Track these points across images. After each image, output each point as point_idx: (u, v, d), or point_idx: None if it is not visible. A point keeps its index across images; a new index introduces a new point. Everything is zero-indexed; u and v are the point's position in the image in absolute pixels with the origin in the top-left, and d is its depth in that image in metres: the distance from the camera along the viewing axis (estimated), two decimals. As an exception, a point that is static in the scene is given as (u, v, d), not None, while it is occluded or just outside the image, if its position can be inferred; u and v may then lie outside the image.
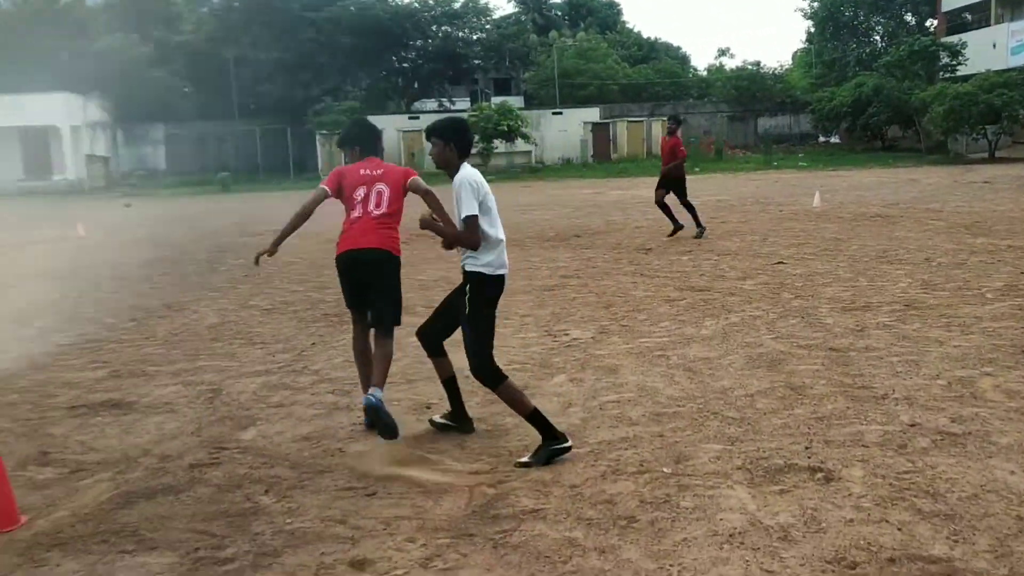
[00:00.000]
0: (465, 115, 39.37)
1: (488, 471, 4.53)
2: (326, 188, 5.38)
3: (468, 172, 4.86)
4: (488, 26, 50.67)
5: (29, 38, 43.18)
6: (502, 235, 4.95)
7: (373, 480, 4.45)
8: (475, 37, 50.35)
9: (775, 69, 53.00)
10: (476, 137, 37.66)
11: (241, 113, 50.21)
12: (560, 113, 45.82)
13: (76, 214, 25.98)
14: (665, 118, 45.98)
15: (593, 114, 46.40)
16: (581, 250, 13.30)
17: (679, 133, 14.42)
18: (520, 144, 40.34)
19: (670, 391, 5.78)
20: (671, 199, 14.12)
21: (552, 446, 4.62)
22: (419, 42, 48.16)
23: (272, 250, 5.37)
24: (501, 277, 4.93)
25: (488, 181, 5.07)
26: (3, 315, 9.57)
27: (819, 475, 4.27)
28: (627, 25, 67.13)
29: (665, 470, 4.42)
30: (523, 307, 8.88)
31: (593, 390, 5.89)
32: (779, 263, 11.01)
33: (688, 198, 14.21)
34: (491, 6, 51.42)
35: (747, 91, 49.61)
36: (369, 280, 5.21)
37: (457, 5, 47.81)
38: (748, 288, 9.41)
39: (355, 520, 4.00)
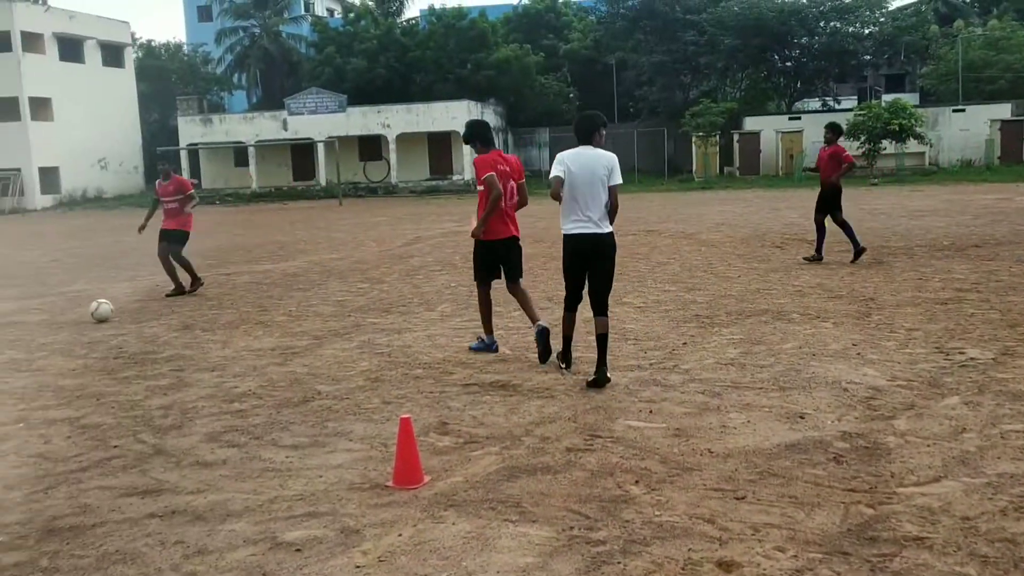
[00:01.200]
0: (851, 115, 37.18)
1: (866, 490, 4.27)
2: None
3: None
4: (882, 19, 47.27)
5: (440, 52, 48.16)
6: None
7: (743, 483, 4.40)
8: (866, 31, 47.26)
9: None
10: (863, 137, 35.43)
11: (620, 116, 51.88)
12: (962, 110, 41.54)
13: (470, 211, 28.57)
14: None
15: (1003, 111, 41.44)
16: (982, 261, 11.99)
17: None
18: (912, 145, 37.22)
19: (1092, 426, 5.02)
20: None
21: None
22: (804, 39, 46.23)
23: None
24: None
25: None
26: (412, 299, 10.79)
27: None
28: (1052, 8, 58.92)
29: (1083, 515, 3.86)
30: (910, 320, 8.22)
31: (993, 416, 5.30)
32: None
33: (843, 215, 12.43)
34: (887, -2, 47.79)
35: None
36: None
37: (848, -1, 45.28)
38: None
39: (723, 521, 3.98)
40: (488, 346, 7.63)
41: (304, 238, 20.96)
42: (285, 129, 45.93)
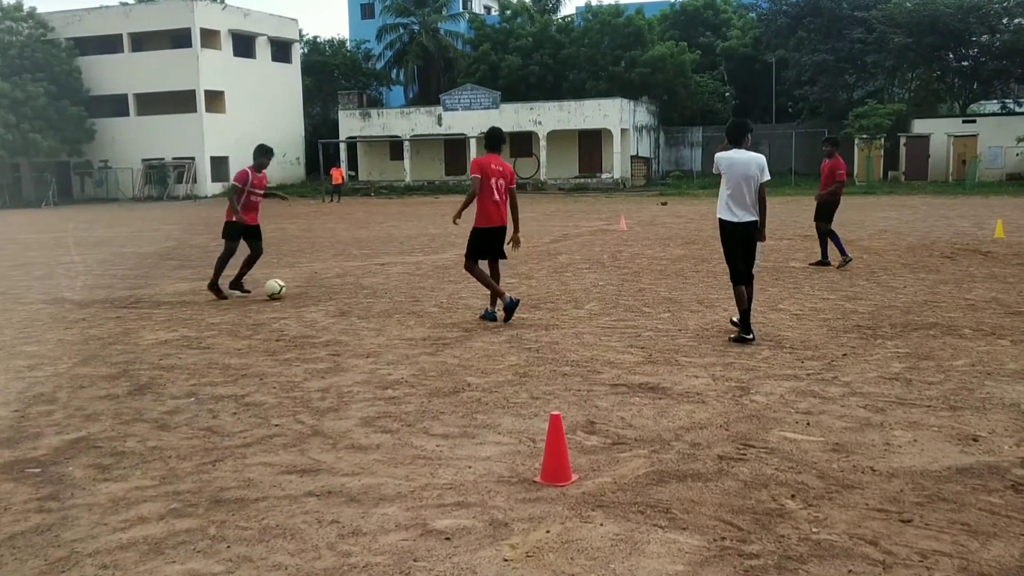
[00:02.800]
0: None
1: (1050, 524, 3.94)
2: None
3: None
4: (1073, 15, 43.91)
5: (594, 49, 48.07)
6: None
7: (909, 505, 4.16)
8: (1055, 29, 43.97)
9: None
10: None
11: (779, 116, 50.32)
12: None
13: (619, 209, 28.41)
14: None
15: None
16: None
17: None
18: None
19: None
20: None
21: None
22: (984, 37, 43.43)
23: None
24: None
25: None
26: (559, 296, 10.81)
27: None
28: None
29: None
30: (1100, 342, 7.57)
31: None
32: None
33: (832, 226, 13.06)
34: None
35: None
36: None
37: (1036, -7, 42.21)
38: None
39: (887, 544, 3.77)
40: (492, 315, 9.09)
41: (455, 232, 21.35)
42: (439, 124, 47.03)
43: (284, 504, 4.34)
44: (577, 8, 59.19)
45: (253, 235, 11.19)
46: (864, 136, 40.48)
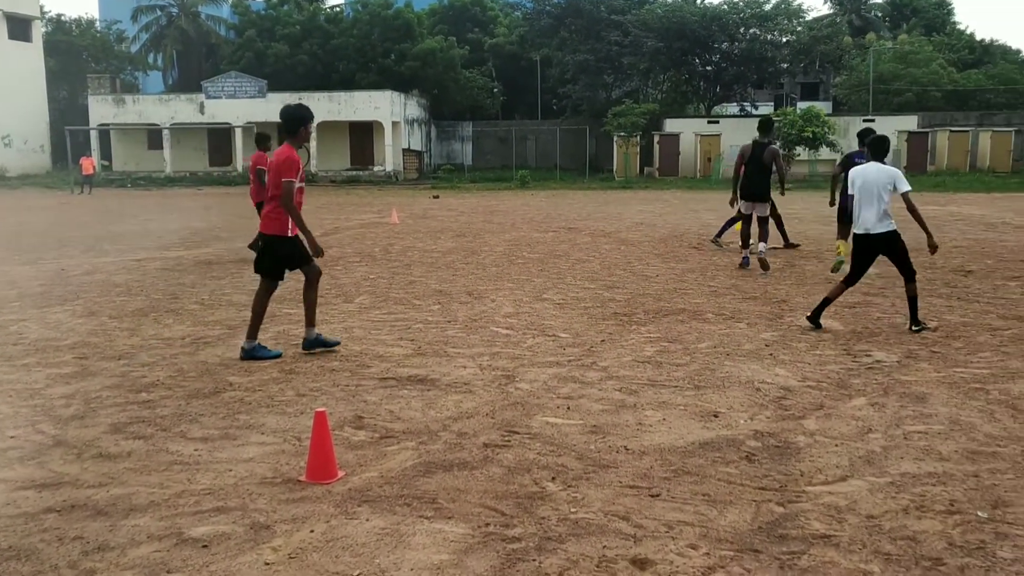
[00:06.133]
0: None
1: (777, 488, 4.35)
2: None
3: None
4: (799, 28, 48.60)
5: (364, 40, 47.59)
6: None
7: (658, 481, 4.44)
8: (784, 39, 48.51)
9: None
10: (779, 143, 36.37)
11: (543, 113, 52.13)
12: (872, 120, 42.98)
13: (391, 202, 28.33)
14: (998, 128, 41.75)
15: (910, 122, 43.11)
16: (888, 266, 12.36)
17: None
18: (825, 152, 38.39)
19: (989, 428, 5.23)
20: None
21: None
22: (724, 44, 47.22)
23: None
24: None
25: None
26: (329, 291, 10.63)
27: None
28: (957, 26, 61.57)
29: (980, 514, 4.01)
30: (821, 322, 8.44)
31: (897, 417, 5.47)
32: None
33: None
34: (804, 7, 49.21)
35: (1099, 101, 43.78)
36: None
37: (768, 7, 46.30)
38: (1089, 323, 8.30)
39: (638, 519, 4.00)
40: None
41: (220, 224, 20.47)
42: (202, 113, 44.83)
43: (19, 523, 3.97)
44: (346, -2, 58.44)
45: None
46: (622, 134, 42.78)
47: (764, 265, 11.66)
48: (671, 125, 44.80)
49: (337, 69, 47.63)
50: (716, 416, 5.52)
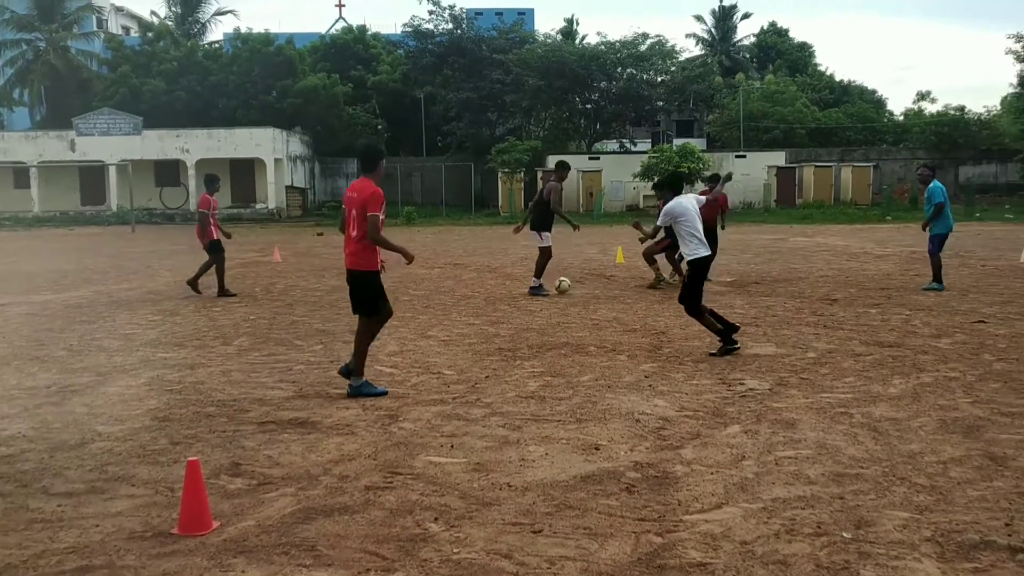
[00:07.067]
0: (645, 156, 39.40)
1: (655, 519, 4.44)
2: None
3: None
4: (673, 68, 50.43)
5: (245, 77, 46.80)
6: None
7: (540, 516, 4.47)
8: (659, 79, 50.21)
9: (981, 114, 49.83)
10: (656, 179, 37.50)
11: (428, 150, 52.30)
12: (743, 156, 44.87)
13: (273, 240, 27.77)
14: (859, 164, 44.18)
15: (778, 158, 45.14)
16: (760, 297, 12.91)
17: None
18: (700, 187, 39.75)
19: (852, 451, 5.49)
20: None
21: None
22: (603, 84, 48.51)
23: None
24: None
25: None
26: (207, 333, 10.32)
27: (1021, 556, 3.92)
28: (819, 68, 65.12)
29: (845, 535, 4.19)
30: (697, 353, 8.70)
31: (768, 444, 5.68)
32: (979, 322, 10.28)
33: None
34: (677, 48, 51.13)
35: (948, 137, 46.88)
36: None
37: (643, 48, 47.88)
38: (943, 347, 8.83)
39: (520, 556, 4.01)
40: None
41: (91, 266, 19.63)
42: (73, 151, 43.07)
43: None
44: (225, 34, 57.35)
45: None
46: (506, 170, 43.26)
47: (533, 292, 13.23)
48: (554, 161, 45.55)
49: (217, 106, 46.59)
50: (597, 449, 5.61)
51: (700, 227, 8.76)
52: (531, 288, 13.39)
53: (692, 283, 8.76)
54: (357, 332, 7.25)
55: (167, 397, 7.09)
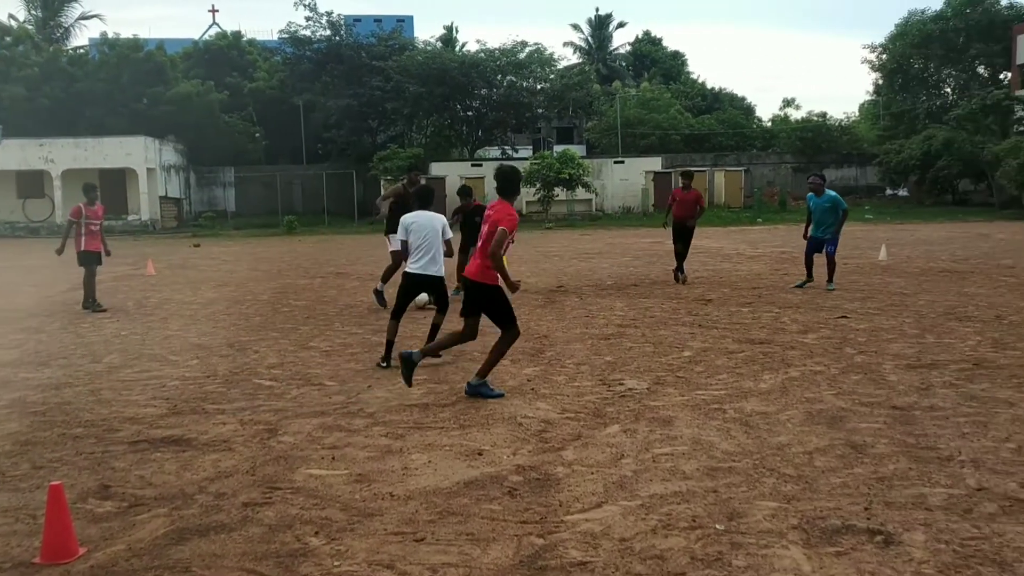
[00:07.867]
0: (527, 163, 39.80)
1: (537, 521, 4.49)
2: None
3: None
4: (552, 76, 51.14)
5: (113, 84, 44.95)
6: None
7: (423, 524, 4.45)
8: (539, 86, 50.81)
9: (841, 120, 52.60)
10: (538, 184, 37.96)
11: (309, 158, 51.41)
12: (622, 162, 45.90)
13: (147, 252, 26.76)
14: (731, 168, 45.88)
15: (655, 163, 46.36)
16: (639, 299, 13.23)
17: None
18: (581, 192, 40.43)
19: (725, 445, 5.68)
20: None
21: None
22: (484, 91, 48.77)
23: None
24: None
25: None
26: (74, 351, 9.86)
27: (879, 538, 4.15)
28: (691, 76, 67.32)
29: (718, 527, 4.34)
30: (578, 355, 8.85)
31: (647, 442, 5.82)
32: (842, 317, 10.82)
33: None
34: (556, 56, 51.87)
35: (812, 142, 49.25)
36: None
37: (522, 55, 48.38)
38: (809, 342, 9.25)
39: (402, 565, 3.99)
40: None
41: (-56, 285, 18.46)
42: (-79, 161, 40.41)
43: None
44: (91, 40, 54.96)
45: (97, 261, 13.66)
46: (388, 177, 42.95)
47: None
48: (436, 168, 45.51)
49: (84, 114, 44.56)
50: (480, 454, 5.63)
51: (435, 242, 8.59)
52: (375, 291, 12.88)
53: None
54: (498, 340, 7.35)
55: (30, 420, 6.73)
